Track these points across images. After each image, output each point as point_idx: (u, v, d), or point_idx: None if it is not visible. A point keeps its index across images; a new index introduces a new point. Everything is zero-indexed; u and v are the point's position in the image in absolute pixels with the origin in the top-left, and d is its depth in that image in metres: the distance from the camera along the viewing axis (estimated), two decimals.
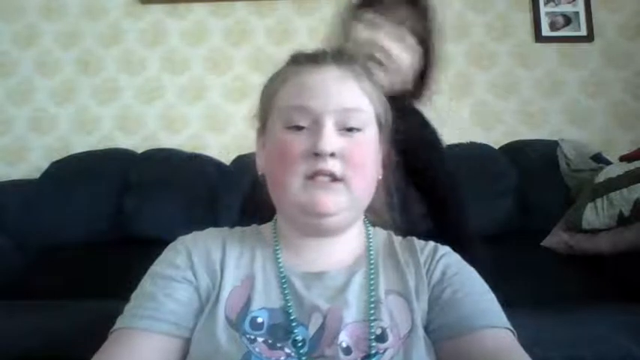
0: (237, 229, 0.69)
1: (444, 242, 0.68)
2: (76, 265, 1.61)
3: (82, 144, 2.12)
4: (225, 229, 0.69)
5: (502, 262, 1.41)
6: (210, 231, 0.67)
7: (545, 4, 2.17)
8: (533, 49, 2.17)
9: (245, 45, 2.19)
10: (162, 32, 2.21)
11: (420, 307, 0.59)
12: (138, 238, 1.72)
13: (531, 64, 2.17)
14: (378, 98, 0.66)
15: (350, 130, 0.60)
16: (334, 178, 0.59)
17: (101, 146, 2.08)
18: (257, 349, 0.53)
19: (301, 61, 0.66)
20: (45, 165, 1.97)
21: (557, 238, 1.61)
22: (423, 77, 1.06)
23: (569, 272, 1.48)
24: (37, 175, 1.96)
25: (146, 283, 0.60)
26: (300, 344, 0.54)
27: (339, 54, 0.67)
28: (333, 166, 0.58)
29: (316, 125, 0.59)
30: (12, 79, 2.19)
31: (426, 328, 0.58)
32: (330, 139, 0.58)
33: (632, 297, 1.28)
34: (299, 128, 0.60)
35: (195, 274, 0.60)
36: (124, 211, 1.83)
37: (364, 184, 0.62)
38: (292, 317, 0.56)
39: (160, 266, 0.61)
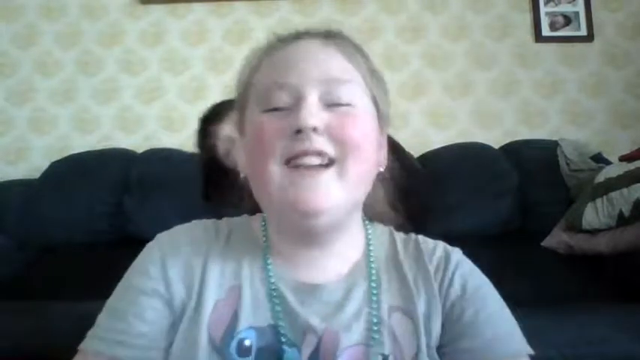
0: (225, 224, 0.61)
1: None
2: (76, 265, 1.61)
3: (82, 144, 2.12)
4: (211, 225, 0.60)
5: (502, 262, 1.41)
6: (194, 229, 0.59)
7: (545, 4, 2.17)
8: (533, 49, 2.17)
9: (245, 45, 2.19)
10: (163, 32, 2.21)
11: (433, 329, 0.53)
12: (138, 238, 1.71)
13: (531, 64, 2.17)
14: (372, 74, 0.56)
15: (339, 104, 0.51)
16: (324, 161, 0.49)
17: (101, 146, 2.08)
18: None
19: (280, 38, 0.57)
20: (45, 165, 1.97)
21: (557, 238, 1.61)
22: None
23: (569, 272, 1.48)
24: (37, 175, 1.96)
25: (118, 295, 0.54)
26: None
27: (321, 32, 0.56)
28: (318, 143, 0.48)
29: (297, 102, 0.50)
30: (12, 79, 2.19)
31: (438, 349, 0.53)
32: (313, 110, 0.48)
33: (632, 297, 1.28)
34: (279, 110, 0.51)
35: (169, 286, 0.53)
36: (124, 211, 1.83)
37: (360, 167, 0.51)
38: (283, 339, 0.50)
39: (133, 273, 0.55)
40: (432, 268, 0.57)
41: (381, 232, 0.63)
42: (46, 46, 2.21)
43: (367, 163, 0.52)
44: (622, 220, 1.47)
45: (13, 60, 2.20)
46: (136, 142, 2.13)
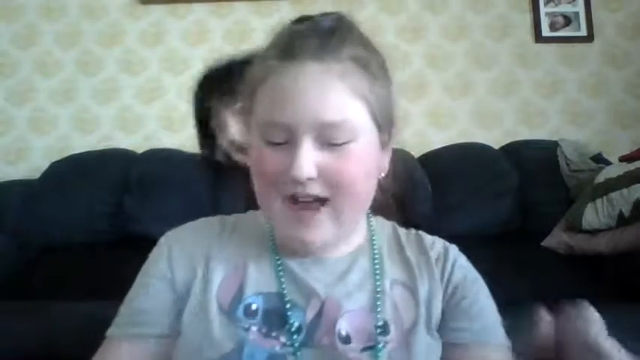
0: (232, 218, 0.66)
1: None
2: (76, 265, 1.61)
3: (82, 144, 2.12)
4: (217, 220, 0.65)
5: (502, 262, 1.41)
6: (202, 221, 0.65)
7: (545, 4, 2.17)
8: (533, 49, 2.17)
9: (245, 45, 2.19)
10: (163, 32, 2.21)
11: (433, 312, 0.57)
12: (138, 238, 1.72)
13: (531, 64, 2.17)
14: (373, 93, 0.54)
15: (335, 144, 0.52)
16: (318, 200, 0.52)
17: (101, 146, 2.08)
18: (251, 338, 0.52)
19: (279, 54, 0.54)
20: (45, 165, 1.97)
21: (557, 239, 1.61)
22: None
23: (569, 272, 1.48)
24: (37, 175, 1.96)
25: (133, 285, 0.60)
26: (294, 335, 0.52)
27: (324, 42, 0.53)
28: (312, 189, 0.51)
29: (293, 142, 0.51)
30: (12, 79, 2.19)
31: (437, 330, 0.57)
32: (306, 161, 0.50)
33: (632, 297, 1.28)
34: (277, 144, 0.52)
35: (172, 268, 0.58)
36: (124, 211, 1.83)
37: (355, 204, 0.55)
38: (288, 303, 0.54)
39: (145, 265, 0.61)
40: (433, 255, 0.61)
41: (384, 223, 0.66)
42: (46, 46, 2.21)
43: (363, 193, 0.55)
44: (622, 221, 1.47)
45: (13, 60, 2.20)
46: (136, 142, 2.13)
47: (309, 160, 0.50)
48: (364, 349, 0.52)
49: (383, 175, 0.60)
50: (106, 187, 1.87)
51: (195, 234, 0.62)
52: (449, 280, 0.59)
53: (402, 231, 0.65)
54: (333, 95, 0.51)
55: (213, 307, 0.54)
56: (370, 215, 0.65)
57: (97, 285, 1.22)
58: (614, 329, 1.06)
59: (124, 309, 0.58)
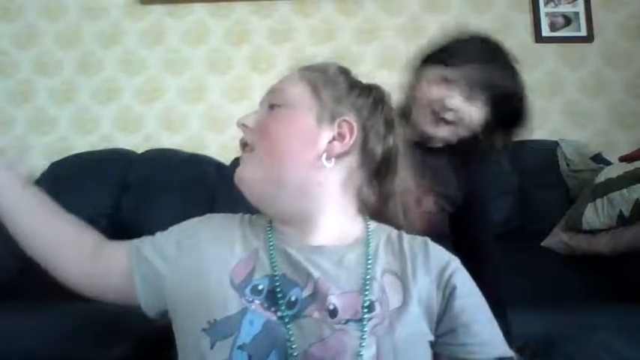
0: (248, 215, 0.75)
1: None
2: None
3: (82, 144, 2.12)
4: (240, 214, 0.75)
5: (502, 262, 1.41)
6: (228, 215, 0.75)
7: (545, 4, 2.17)
8: (533, 49, 2.17)
9: (245, 45, 2.19)
10: (162, 32, 2.21)
11: (429, 307, 0.61)
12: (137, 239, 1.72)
13: (531, 65, 2.17)
14: (323, 85, 0.70)
15: (272, 106, 0.69)
16: (246, 146, 0.69)
17: (101, 146, 2.08)
18: (253, 308, 0.59)
19: None
20: (45, 165, 1.97)
21: (557, 239, 1.61)
22: (501, 124, 1.05)
23: (569, 272, 1.48)
24: (36, 175, 1.96)
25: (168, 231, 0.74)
26: (289, 308, 0.59)
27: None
28: (246, 135, 0.70)
29: None
30: (12, 79, 2.19)
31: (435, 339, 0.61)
32: (248, 114, 0.71)
33: (632, 297, 1.28)
34: None
35: (198, 230, 0.71)
36: (123, 212, 1.83)
37: (270, 150, 0.66)
38: (287, 283, 0.61)
39: (181, 226, 0.74)
40: (433, 261, 0.64)
41: (385, 227, 0.70)
42: (46, 46, 2.21)
43: (280, 147, 0.67)
44: (622, 221, 1.47)
45: (13, 60, 2.20)
46: (136, 142, 2.13)
47: (252, 114, 0.71)
48: (349, 321, 0.57)
49: (325, 157, 0.66)
50: (105, 187, 1.87)
51: (225, 220, 0.73)
52: (447, 288, 0.62)
53: (407, 236, 0.69)
54: (286, 78, 0.73)
55: (226, 281, 0.62)
56: (368, 219, 0.70)
57: None
58: (614, 329, 1.06)
59: (157, 236, 0.74)
